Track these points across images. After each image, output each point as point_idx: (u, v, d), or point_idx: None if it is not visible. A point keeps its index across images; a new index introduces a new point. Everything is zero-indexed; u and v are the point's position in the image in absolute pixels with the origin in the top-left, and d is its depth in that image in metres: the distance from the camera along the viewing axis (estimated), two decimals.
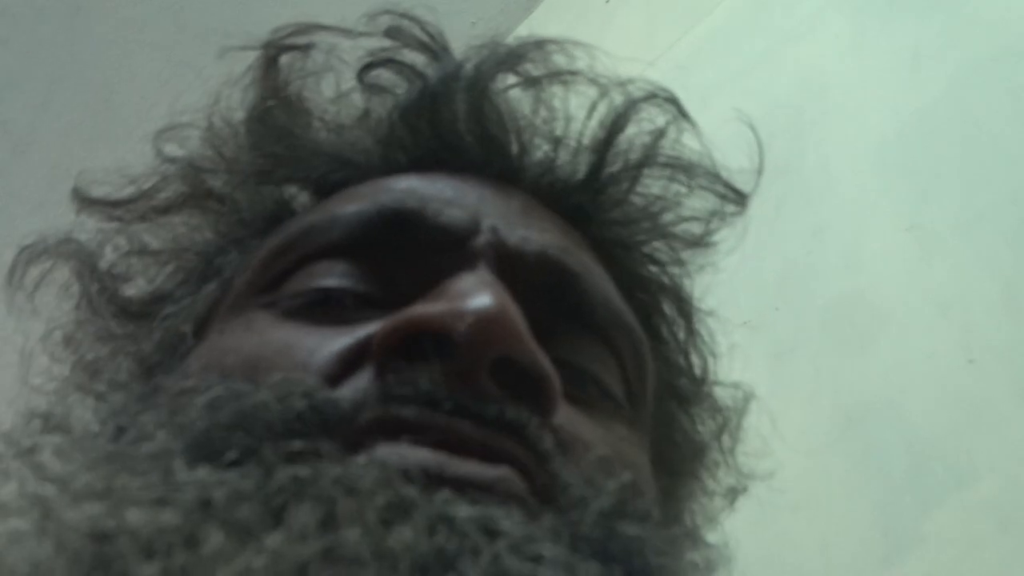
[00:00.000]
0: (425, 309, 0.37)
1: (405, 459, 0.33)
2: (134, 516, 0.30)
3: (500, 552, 0.30)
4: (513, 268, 0.42)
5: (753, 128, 0.58)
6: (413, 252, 0.43)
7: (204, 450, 0.33)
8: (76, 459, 0.34)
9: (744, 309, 1.08)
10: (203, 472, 0.31)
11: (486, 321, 0.36)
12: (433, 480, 0.32)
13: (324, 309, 0.41)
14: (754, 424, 0.58)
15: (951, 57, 1.12)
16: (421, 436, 0.34)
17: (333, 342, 0.39)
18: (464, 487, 0.33)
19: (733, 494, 0.58)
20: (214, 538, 0.29)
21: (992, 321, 0.96)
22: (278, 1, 0.54)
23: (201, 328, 0.46)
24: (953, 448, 0.94)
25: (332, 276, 0.43)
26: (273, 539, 0.29)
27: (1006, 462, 0.90)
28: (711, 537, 0.56)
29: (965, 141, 1.07)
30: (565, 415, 0.39)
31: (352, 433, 0.35)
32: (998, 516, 0.88)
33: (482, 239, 0.43)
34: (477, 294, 0.37)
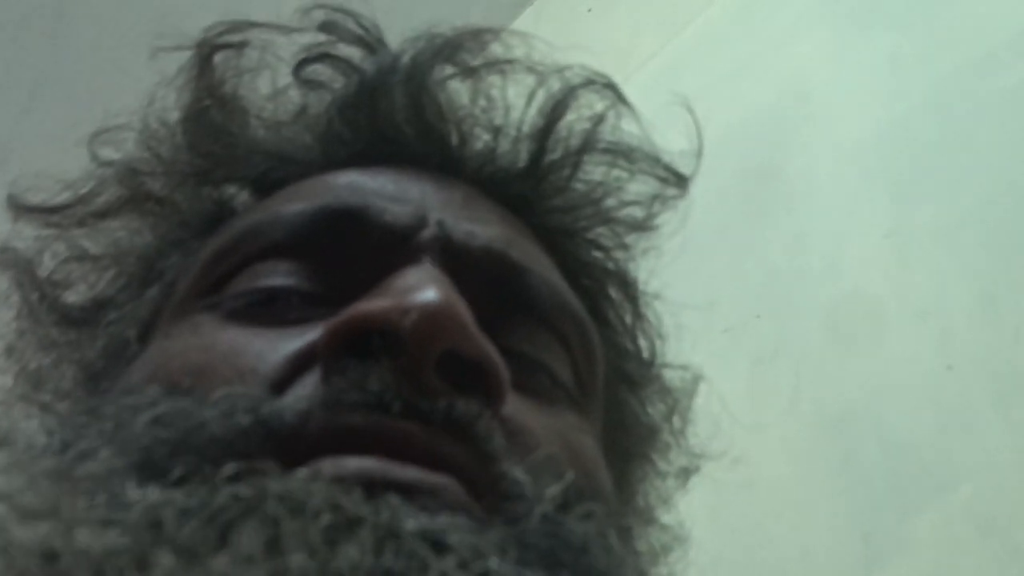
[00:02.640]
0: (369, 306, 0.37)
1: (347, 468, 0.33)
2: (84, 536, 0.29)
3: (448, 570, 0.30)
4: (459, 262, 0.42)
5: (690, 110, 0.58)
6: (357, 250, 0.42)
7: (149, 469, 0.33)
8: (22, 475, 0.33)
9: (725, 315, 1.08)
10: (150, 491, 0.31)
11: (431, 315, 0.36)
12: (377, 486, 0.32)
13: (270, 309, 0.41)
14: (726, 426, 0.58)
15: (930, 65, 1.13)
16: (367, 445, 0.34)
17: (280, 345, 0.38)
18: (410, 492, 0.32)
19: (686, 474, 0.58)
20: (164, 561, 0.28)
21: (971, 327, 0.97)
22: (269, 6, 0.53)
23: (145, 333, 0.46)
24: (932, 454, 0.94)
25: (276, 275, 0.42)
26: (219, 562, 0.28)
27: (985, 468, 0.90)
28: (666, 518, 0.56)
29: (944, 148, 1.08)
30: (514, 405, 0.39)
31: (299, 446, 0.34)
32: (977, 521, 0.89)
33: (428, 233, 0.42)
34: (421, 288, 0.37)
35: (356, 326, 0.36)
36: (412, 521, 0.31)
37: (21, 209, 0.53)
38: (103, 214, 0.52)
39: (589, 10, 1.57)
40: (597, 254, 0.54)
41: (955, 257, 1.01)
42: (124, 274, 0.51)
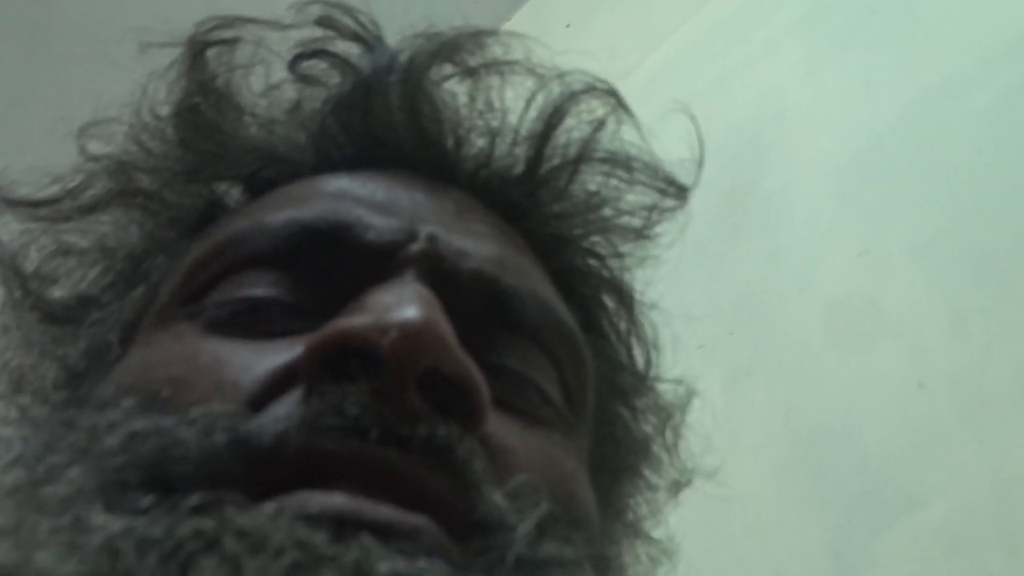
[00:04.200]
0: (347, 323, 0.36)
1: (315, 506, 0.32)
2: (42, 559, 0.29)
3: None
4: (445, 279, 0.41)
5: (692, 118, 0.58)
6: (341, 264, 0.42)
7: (118, 491, 0.32)
8: None
9: (700, 332, 1.08)
10: (112, 519, 0.30)
11: (411, 333, 0.35)
12: (349, 525, 0.31)
13: (252, 320, 0.40)
14: (701, 442, 0.58)
15: (904, 84, 1.14)
16: (344, 472, 0.33)
17: (261, 359, 0.37)
18: (385, 533, 0.31)
19: (676, 487, 0.57)
20: None
21: (942, 346, 0.98)
22: (257, 4, 0.52)
23: (127, 336, 0.45)
24: (904, 472, 0.95)
25: (259, 286, 0.41)
26: None
27: (956, 485, 0.91)
28: (656, 531, 0.56)
29: (918, 166, 1.09)
30: (497, 423, 0.38)
31: (275, 469, 0.33)
32: (948, 539, 0.89)
33: (416, 247, 0.41)
34: (401, 305, 0.36)
35: (335, 344, 0.35)
36: (385, 564, 0.30)
37: (7, 202, 0.52)
38: (91, 208, 0.51)
39: (567, 26, 1.58)
40: (593, 262, 0.53)
41: (928, 275, 1.02)
42: (110, 272, 0.50)
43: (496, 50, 0.52)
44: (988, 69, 1.07)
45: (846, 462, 0.99)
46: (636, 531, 0.55)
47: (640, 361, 0.55)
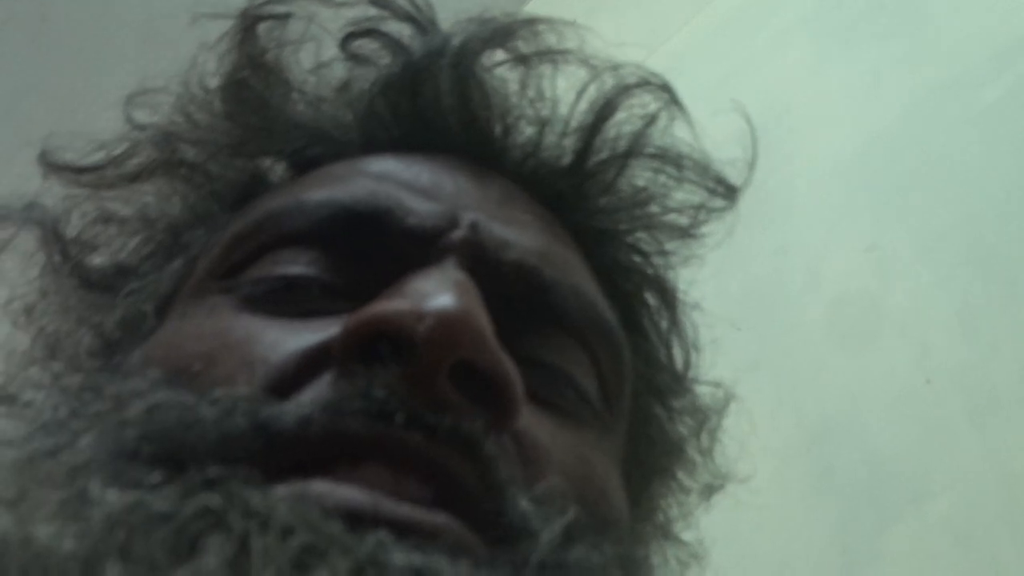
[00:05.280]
0: (383, 307, 0.35)
1: (329, 498, 0.31)
2: (41, 531, 0.28)
3: None
4: (486, 268, 0.40)
5: (748, 121, 0.57)
6: (381, 246, 0.41)
7: (127, 463, 0.31)
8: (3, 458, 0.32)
9: (706, 327, 1.08)
10: (117, 493, 0.29)
11: (447, 322, 0.34)
12: (367, 520, 0.30)
13: (288, 298, 0.40)
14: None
15: (910, 81, 1.14)
16: (364, 457, 0.33)
17: (294, 338, 0.37)
18: (404, 530, 0.30)
19: (709, 491, 0.56)
20: (114, 570, 0.27)
21: (949, 341, 0.98)
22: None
23: (163, 308, 0.44)
24: (910, 466, 0.95)
25: (297, 264, 0.41)
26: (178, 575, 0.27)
27: (962, 480, 0.91)
28: (686, 534, 0.55)
29: (924, 163, 1.09)
30: (530, 418, 0.38)
31: (296, 451, 0.33)
32: (954, 533, 0.89)
33: (458, 234, 0.41)
34: (440, 293, 0.35)
35: (370, 328, 0.35)
36: (401, 556, 0.29)
37: (52, 167, 0.51)
38: (134, 177, 0.50)
39: (573, 22, 1.57)
40: (636, 258, 0.52)
41: (935, 272, 1.02)
42: (151, 242, 0.49)
43: (550, 39, 0.51)
44: (995, 66, 1.07)
45: (853, 456, 0.99)
46: (666, 533, 0.54)
47: (679, 361, 0.54)
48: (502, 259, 0.42)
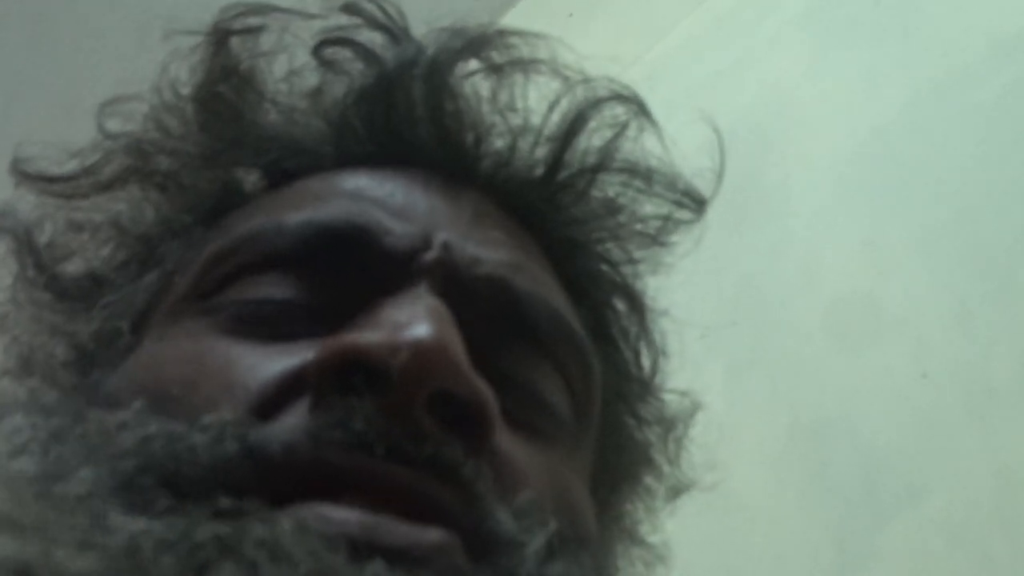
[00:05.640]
0: (359, 339, 0.35)
1: (331, 523, 0.32)
2: (62, 556, 0.29)
3: None
4: (459, 287, 0.41)
5: (718, 133, 0.58)
6: (357, 267, 0.42)
7: (133, 493, 0.32)
8: (3, 484, 0.32)
9: (702, 323, 1.09)
10: (131, 519, 0.30)
11: (423, 354, 0.34)
12: (362, 549, 0.31)
13: (265, 321, 0.40)
14: (702, 435, 0.57)
15: (907, 78, 1.14)
16: (351, 487, 0.33)
17: (271, 364, 0.37)
18: (398, 558, 0.31)
19: (674, 494, 0.57)
20: None
21: (945, 337, 0.98)
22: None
23: (139, 324, 0.45)
24: (906, 463, 0.95)
25: (275, 287, 0.41)
26: None
27: (958, 477, 0.91)
28: (652, 536, 0.55)
29: (921, 159, 1.09)
30: (503, 440, 0.38)
31: (284, 478, 0.33)
32: (949, 530, 0.89)
33: (431, 256, 0.41)
34: (413, 323, 0.36)
35: (344, 357, 0.35)
36: None
37: (24, 176, 0.51)
38: (107, 186, 0.50)
39: (570, 15, 1.57)
40: (605, 267, 0.53)
41: (931, 267, 1.02)
42: (123, 251, 0.50)
43: (522, 49, 0.52)
44: (992, 63, 1.07)
45: (848, 454, 0.99)
46: (632, 536, 0.55)
47: (647, 368, 0.55)
48: (474, 274, 0.42)
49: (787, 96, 1.25)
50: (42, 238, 0.51)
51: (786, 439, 1.04)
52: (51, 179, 0.51)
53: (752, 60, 1.32)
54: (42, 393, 0.44)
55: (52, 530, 0.30)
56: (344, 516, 0.32)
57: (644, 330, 0.55)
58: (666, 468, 0.56)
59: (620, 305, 0.54)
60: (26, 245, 0.51)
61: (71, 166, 0.51)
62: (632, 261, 0.54)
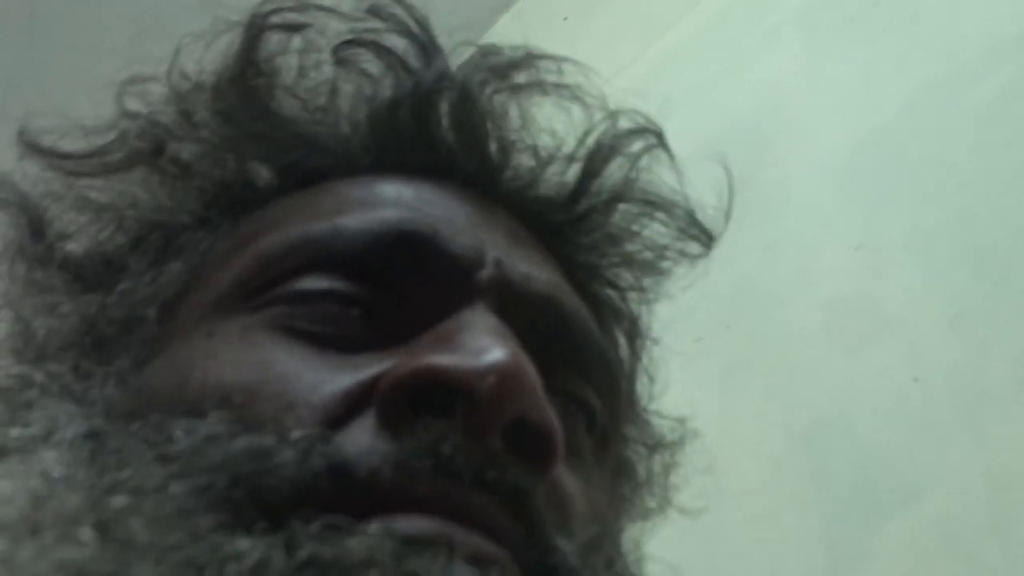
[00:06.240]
0: (444, 361, 0.36)
1: (414, 528, 0.33)
2: (140, 572, 0.30)
3: None
4: (515, 306, 0.41)
5: (728, 174, 0.58)
6: (418, 276, 0.41)
7: (225, 511, 0.32)
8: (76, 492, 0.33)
9: (697, 325, 1.08)
10: (249, 543, 0.31)
11: (507, 379, 0.35)
12: (443, 547, 0.32)
13: (324, 327, 0.40)
14: (698, 439, 0.58)
15: (904, 78, 1.14)
16: (431, 508, 0.34)
17: (336, 377, 0.38)
18: (474, 561, 0.33)
19: (658, 513, 0.57)
20: None
21: (940, 340, 0.98)
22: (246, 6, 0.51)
23: (167, 314, 0.44)
24: (900, 465, 0.95)
25: (332, 292, 0.41)
26: None
27: (952, 480, 0.91)
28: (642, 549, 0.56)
29: (916, 161, 1.09)
30: (559, 467, 0.39)
31: (368, 500, 0.34)
32: (944, 532, 0.89)
33: (486, 273, 0.42)
34: (493, 348, 0.36)
35: (426, 379, 0.36)
36: None
37: (34, 149, 0.50)
38: (120, 167, 0.50)
39: (565, 18, 1.57)
40: (611, 292, 0.54)
41: (926, 270, 1.02)
42: (137, 236, 0.49)
43: (551, 74, 0.53)
44: (988, 64, 1.07)
45: (843, 456, 0.99)
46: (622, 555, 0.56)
47: (640, 393, 0.56)
48: (528, 292, 0.43)
49: (784, 96, 1.25)
50: (50, 215, 0.50)
51: (781, 440, 1.04)
52: (63, 155, 0.50)
53: (749, 61, 1.32)
54: (64, 378, 0.43)
55: (154, 550, 0.30)
56: (424, 524, 0.33)
57: (638, 357, 0.56)
58: (646, 488, 0.56)
59: (620, 331, 0.55)
60: (31, 219, 0.50)
61: (84, 144, 0.50)
62: (638, 288, 0.55)
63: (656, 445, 0.56)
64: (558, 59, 0.53)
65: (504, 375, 0.35)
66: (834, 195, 1.14)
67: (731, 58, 1.34)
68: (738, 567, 1.00)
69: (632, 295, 0.55)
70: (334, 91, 0.50)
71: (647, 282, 0.55)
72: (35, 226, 0.50)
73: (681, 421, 0.58)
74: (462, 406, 0.35)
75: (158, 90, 0.50)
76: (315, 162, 0.49)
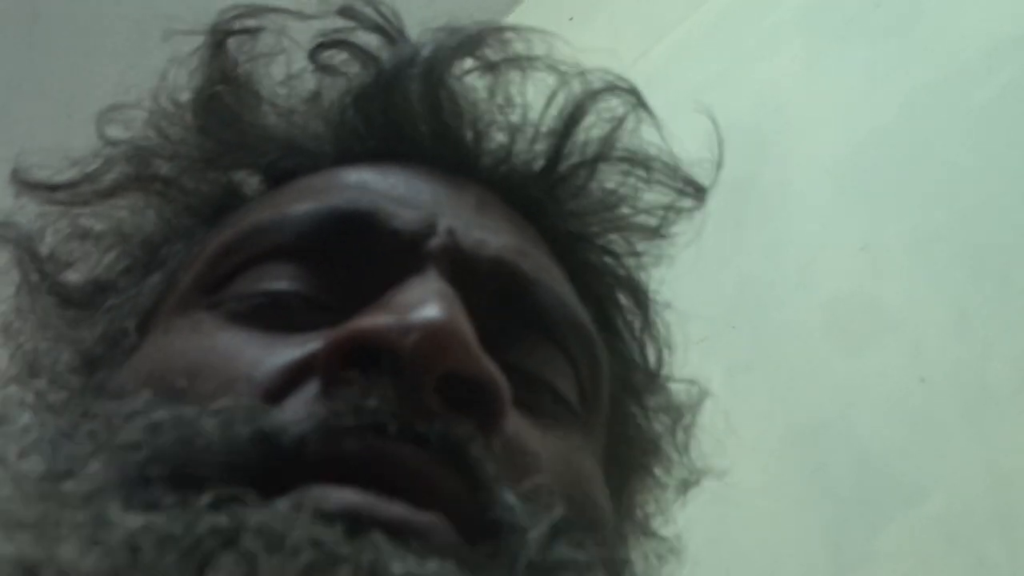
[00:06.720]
0: (371, 322, 0.36)
1: (330, 502, 0.32)
2: (66, 553, 0.29)
3: None
4: (467, 272, 0.41)
5: (714, 122, 0.58)
6: (364, 255, 0.41)
7: (138, 486, 0.32)
8: (8, 482, 0.32)
9: (700, 326, 1.08)
10: (132, 515, 0.30)
11: (433, 335, 0.35)
12: (362, 523, 0.31)
13: (272, 313, 0.40)
14: (708, 423, 0.58)
15: (905, 79, 1.14)
16: (358, 470, 0.33)
17: (278, 352, 0.38)
18: (398, 531, 0.31)
19: (685, 486, 0.57)
20: None
21: (942, 340, 0.98)
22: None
23: (145, 323, 0.45)
24: (903, 466, 0.95)
25: (281, 279, 0.41)
26: None
27: (954, 480, 0.91)
28: (664, 529, 0.56)
29: (918, 162, 1.09)
30: (515, 424, 0.38)
31: (293, 466, 0.33)
32: (947, 533, 0.89)
33: (436, 241, 0.42)
34: (424, 305, 0.36)
35: (356, 342, 0.35)
36: (399, 564, 0.30)
37: (25, 185, 0.51)
38: (109, 193, 0.51)
39: (570, 19, 1.57)
40: (608, 260, 0.53)
41: (929, 270, 1.02)
42: (126, 256, 0.50)
43: (517, 46, 0.52)
44: (989, 64, 1.07)
45: (845, 456, 0.99)
46: (644, 529, 0.55)
47: (652, 359, 0.55)
48: (480, 257, 0.42)
49: (785, 97, 1.25)
50: (44, 247, 0.51)
51: (783, 441, 1.04)
52: (52, 187, 0.51)
53: (750, 61, 1.32)
54: (50, 393, 0.44)
55: (56, 528, 0.30)
56: (340, 496, 0.32)
57: (648, 322, 0.55)
58: (675, 458, 0.56)
59: (624, 298, 0.54)
60: (29, 254, 0.51)
61: (72, 174, 0.51)
62: (635, 253, 0.54)
63: (674, 410, 0.56)
64: (523, 30, 0.53)
65: (428, 331, 0.35)
66: (836, 196, 1.14)
67: (733, 59, 1.34)
68: (740, 566, 1.00)
69: (630, 261, 0.54)
70: (304, 91, 0.51)
71: (644, 246, 0.54)
72: (33, 260, 0.51)
73: (692, 382, 0.58)
74: (388, 364, 0.34)
75: (139, 115, 0.51)
76: (291, 162, 0.49)
